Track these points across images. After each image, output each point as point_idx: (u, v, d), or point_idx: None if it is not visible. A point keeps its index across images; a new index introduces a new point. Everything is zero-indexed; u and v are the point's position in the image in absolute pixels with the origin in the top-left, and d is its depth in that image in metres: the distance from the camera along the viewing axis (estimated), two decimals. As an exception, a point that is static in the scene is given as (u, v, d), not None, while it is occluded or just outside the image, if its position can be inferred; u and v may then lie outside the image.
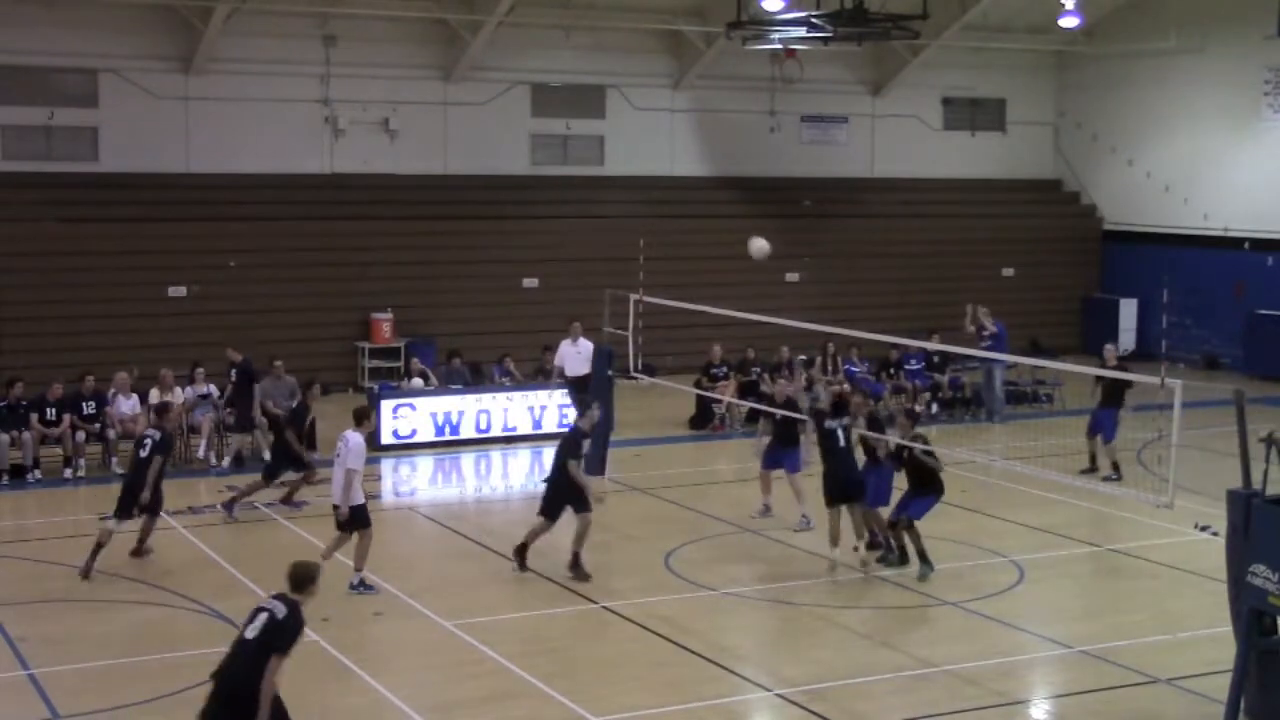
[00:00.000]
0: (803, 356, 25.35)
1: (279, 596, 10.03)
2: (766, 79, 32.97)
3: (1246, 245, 32.30)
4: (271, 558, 16.97)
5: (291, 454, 19.14)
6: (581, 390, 22.50)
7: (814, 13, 25.10)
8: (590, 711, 12.29)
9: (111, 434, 21.49)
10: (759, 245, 18.24)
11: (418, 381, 24.17)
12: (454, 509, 20.50)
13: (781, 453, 18.64)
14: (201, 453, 21.98)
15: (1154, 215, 34.27)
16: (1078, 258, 35.39)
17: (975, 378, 26.82)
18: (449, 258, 29.67)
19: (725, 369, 25.82)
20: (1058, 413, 26.01)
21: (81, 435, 21.25)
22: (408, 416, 23.30)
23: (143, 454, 16.91)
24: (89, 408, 21.54)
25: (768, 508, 18.75)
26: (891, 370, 26.60)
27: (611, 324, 22.50)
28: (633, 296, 21.55)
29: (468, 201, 30.42)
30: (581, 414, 16.88)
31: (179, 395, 21.94)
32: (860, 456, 17.10)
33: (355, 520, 15.56)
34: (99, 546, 16.33)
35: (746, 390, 24.13)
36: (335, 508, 15.64)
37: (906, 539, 16.35)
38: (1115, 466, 20.94)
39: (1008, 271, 34.44)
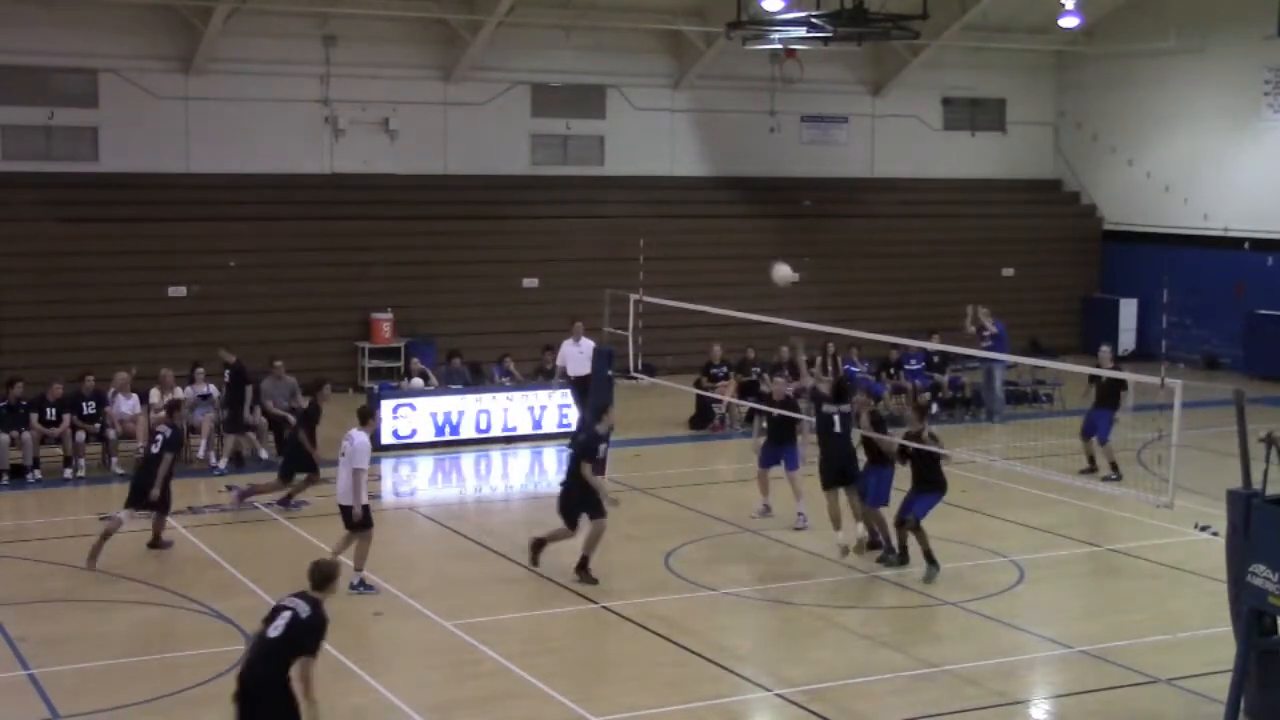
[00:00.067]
0: (802, 356, 25.29)
1: (300, 595, 9.99)
2: (766, 79, 32.98)
3: (1246, 245, 32.30)
4: (271, 558, 17.05)
5: (304, 454, 19.14)
6: (583, 390, 22.53)
7: (814, 13, 25.09)
8: (590, 711, 12.29)
9: (111, 434, 21.50)
10: (783, 272, 18.12)
11: (418, 381, 24.16)
12: (454, 509, 20.50)
13: (779, 451, 18.66)
14: (201, 453, 21.98)
15: (1154, 215, 34.27)
16: (1078, 258, 35.40)
17: (975, 378, 26.82)
18: (449, 258, 29.67)
19: (725, 369, 25.82)
20: (1058, 413, 26.01)
21: (81, 435, 21.24)
22: (408, 416, 23.29)
23: (154, 449, 17.16)
24: (89, 408, 21.53)
25: (767, 508, 18.75)
26: (891, 370, 26.58)
27: (611, 324, 22.51)
28: (633, 296, 21.55)
29: (468, 201, 30.42)
30: (599, 417, 16.70)
31: (179, 395, 21.92)
32: (862, 456, 17.11)
33: (348, 520, 15.55)
34: (107, 534, 16.52)
35: (746, 390, 24.12)
36: (343, 508, 15.62)
37: (913, 540, 16.31)
38: (1114, 466, 20.94)
39: (1008, 271, 34.45)
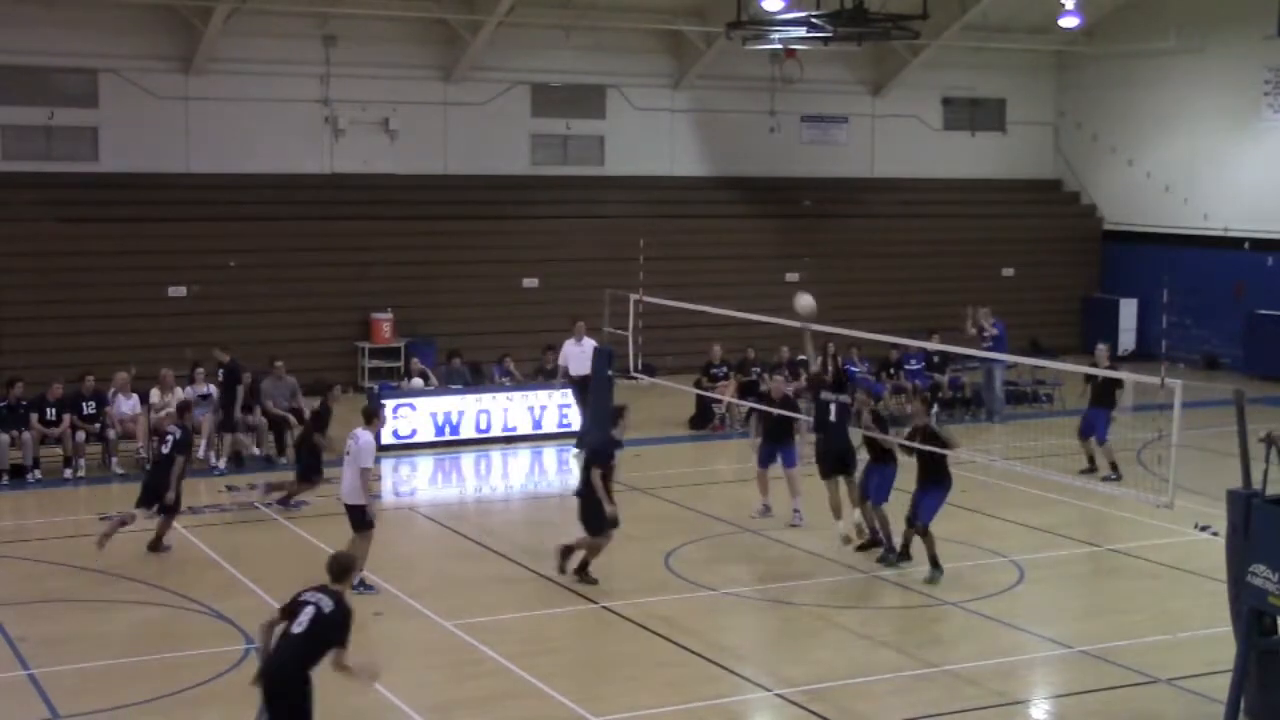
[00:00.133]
0: (802, 356, 25.31)
1: (321, 589, 10.06)
2: (766, 79, 32.98)
3: (1246, 245, 32.31)
4: (271, 558, 17.06)
5: (318, 456, 19.14)
6: (585, 389, 22.55)
7: (814, 13, 25.09)
8: (590, 711, 12.29)
9: (111, 434, 21.50)
10: (805, 302, 18.15)
11: (418, 381, 24.17)
12: (454, 509, 20.50)
13: (776, 448, 18.69)
14: (201, 453, 21.94)
15: (1154, 215, 34.27)
16: (1078, 258, 35.40)
17: (975, 378, 26.82)
18: (449, 258, 29.67)
19: (725, 369, 25.82)
20: (1058, 413, 26.01)
21: (81, 435, 21.24)
22: (408, 416, 23.29)
23: (164, 450, 17.25)
24: (89, 408, 21.53)
25: (767, 508, 18.75)
26: (891, 370, 26.58)
27: (611, 324, 22.52)
28: (633, 296, 21.56)
29: (468, 201, 30.42)
30: (615, 421, 16.39)
31: (179, 395, 21.93)
32: (864, 455, 17.11)
33: (359, 520, 15.55)
34: (123, 523, 16.73)
35: (746, 390, 24.12)
36: (348, 507, 15.61)
37: (920, 542, 16.24)
38: (1114, 466, 20.94)
39: (1008, 271, 34.45)
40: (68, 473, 21.19)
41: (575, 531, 16.21)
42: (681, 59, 32.46)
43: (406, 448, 23.11)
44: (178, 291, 27.49)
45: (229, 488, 20.32)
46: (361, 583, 15.47)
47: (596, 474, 15.78)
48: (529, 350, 26.36)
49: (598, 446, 16.31)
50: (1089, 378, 20.73)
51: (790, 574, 16.61)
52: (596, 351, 22.18)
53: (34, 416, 21.08)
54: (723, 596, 15.75)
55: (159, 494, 17.01)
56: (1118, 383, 20.65)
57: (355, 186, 29.55)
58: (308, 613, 9.85)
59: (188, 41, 28.14)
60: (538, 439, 23.89)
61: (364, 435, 15.62)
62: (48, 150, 27.72)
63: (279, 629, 10.01)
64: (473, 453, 23.40)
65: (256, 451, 22.06)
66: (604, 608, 15.16)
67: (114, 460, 21.45)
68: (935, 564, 16.09)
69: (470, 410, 23.72)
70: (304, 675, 9.79)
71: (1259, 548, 11.21)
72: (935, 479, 16.23)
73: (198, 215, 27.84)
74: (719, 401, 24.63)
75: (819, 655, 13.94)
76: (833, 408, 17.23)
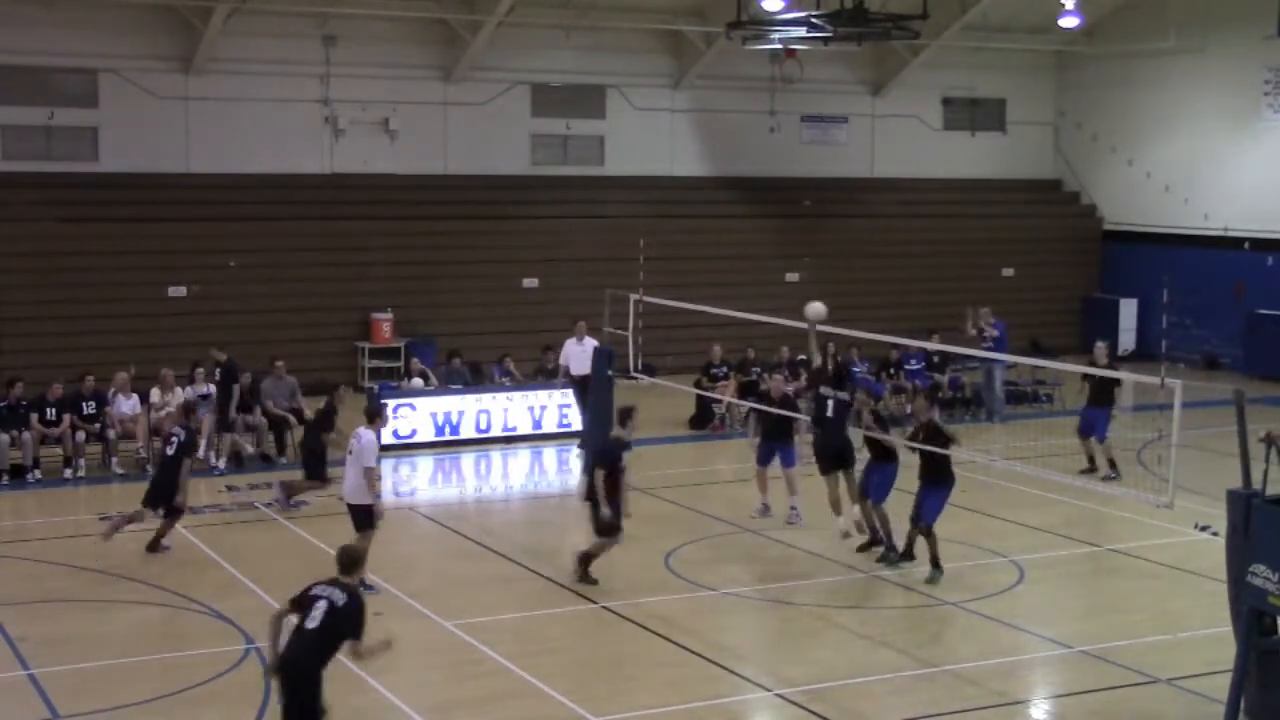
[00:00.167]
0: (802, 356, 25.32)
1: (331, 582, 10.15)
2: (766, 79, 32.98)
3: (1246, 245, 32.31)
4: (271, 558, 17.06)
5: (323, 455, 19.14)
6: (585, 389, 22.55)
7: (814, 13, 25.09)
8: (590, 711, 12.30)
9: (111, 434, 21.50)
10: (816, 308, 18.20)
11: (418, 381, 24.17)
12: (454, 509, 20.51)
13: (775, 446, 18.72)
14: (201, 452, 21.92)
15: (1154, 215, 34.28)
16: (1078, 258, 35.40)
17: (975, 378, 26.83)
18: (449, 258, 29.68)
19: (725, 369, 25.82)
20: (1058, 413, 26.01)
21: (81, 435, 21.24)
22: (408, 416, 23.29)
23: (169, 451, 17.29)
24: (89, 408, 21.54)
25: (766, 507, 18.75)
26: (891, 370, 26.60)
27: (611, 324, 22.52)
28: (633, 296, 21.56)
29: (468, 201, 30.42)
30: (623, 422, 16.16)
31: (179, 395, 21.94)
32: (866, 455, 17.10)
33: (362, 519, 15.54)
34: (131, 520, 16.90)
35: (746, 390, 24.12)
36: (351, 506, 15.59)
37: (924, 542, 16.21)
38: (1112, 464, 20.96)
39: (1008, 271, 34.45)
40: (68, 473, 21.19)
41: (575, 531, 16.20)
42: (681, 59, 32.47)
43: (406, 448, 23.11)
44: (178, 291, 27.50)
45: (229, 488, 20.32)
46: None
47: (600, 474, 15.72)
48: (529, 350, 26.36)
49: (605, 447, 16.17)
50: (1086, 376, 20.72)
51: (790, 574, 16.61)
52: (596, 351, 22.18)
53: (34, 416, 21.09)
54: (723, 596, 15.75)
55: (166, 495, 17.04)
56: (1116, 380, 20.66)
57: (355, 186, 29.56)
58: (321, 607, 9.93)
59: (188, 41, 28.14)
60: (538, 439, 23.90)
61: (366, 435, 15.62)
62: (48, 150, 27.72)
63: (289, 621, 10.11)
64: (473, 453, 23.40)
65: (250, 449, 22.02)
66: (604, 608, 15.16)
67: (114, 460, 21.46)
68: (936, 564, 16.09)
69: (470, 410, 23.72)
70: (320, 669, 9.93)
71: (1259, 548, 11.21)
72: (938, 478, 16.19)
73: (198, 215, 27.85)
74: (719, 401, 24.64)
75: (819, 655, 13.94)
76: (831, 404, 17.27)
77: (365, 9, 28.82)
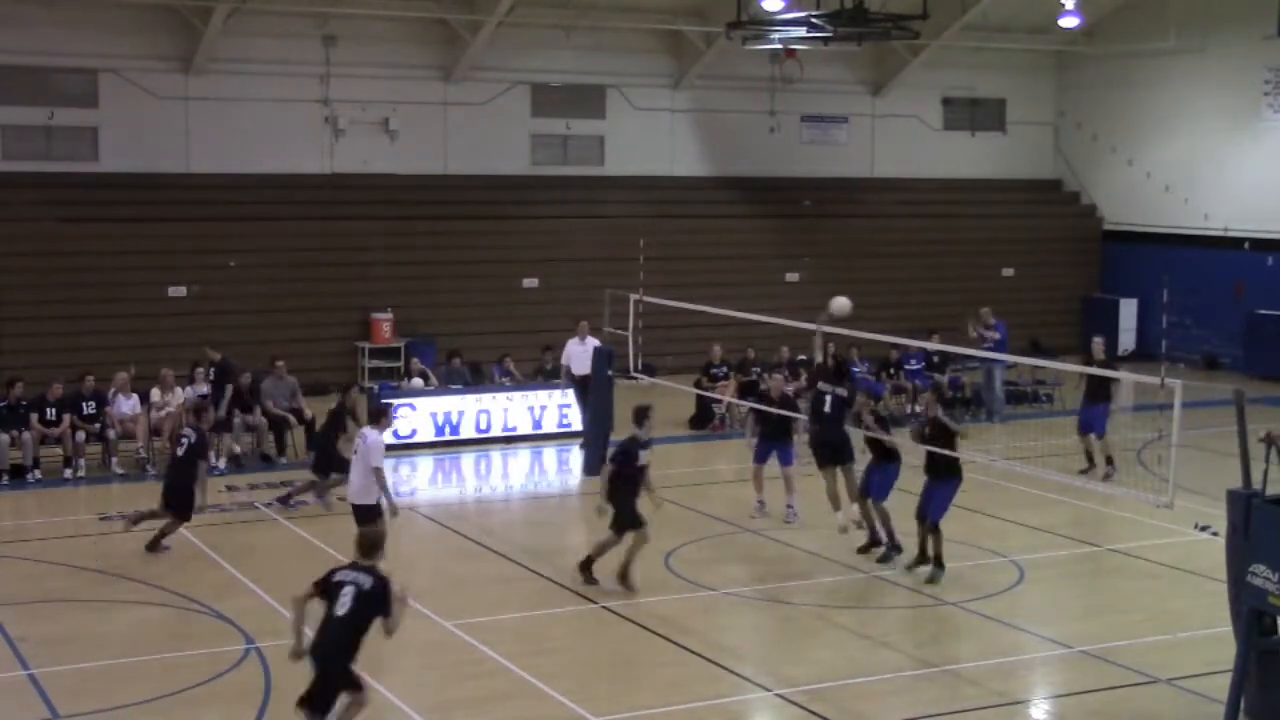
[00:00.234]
0: (802, 356, 25.34)
1: (353, 567, 10.46)
2: (766, 79, 32.98)
3: (1246, 245, 32.31)
4: (271, 558, 17.07)
5: (333, 454, 19.14)
6: (586, 389, 22.56)
7: (814, 13, 25.09)
8: (590, 711, 12.29)
9: (111, 434, 21.50)
10: (840, 303, 18.19)
11: (418, 381, 24.17)
12: (454, 509, 20.50)
13: (773, 445, 18.76)
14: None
15: (1154, 215, 34.28)
16: (1078, 258, 35.41)
17: (975, 378, 26.83)
18: (449, 258, 29.68)
19: (725, 369, 25.82)
20: (1058, 413, 26.01)
21: (81, 435, 21.24)
22: (408, 416, 23.28)
23: (179, 452, 17.33)
24: (89, 408, 21.53)
25: (762, 503, 18.83)
26: (891, 370, 26.61)
27: (611, 324, 22.52)
28: (633, 296, 21.57)
29: (468, 201, 30.42)
30: (640, 422, 15.84)
31: (179, 395, 21.96)
32: (868, 456, 17.08)
33: (365, 519, 15.52)
34: (153, 515, 17.08)
35: (746, 390, 24.12)
36: (355, 506, 15.58)
37: (929, 540, 16.12)
38: (1109, 460, 20.98)
39: (1008, 271, 34.46)
40: (68, 473, 21.18)
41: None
42: (681, 59, 32.47)
43: (406, 448, 23.10)
44: (178, 291, 27.50)
45: (229, 488, 20.31)
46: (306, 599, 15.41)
47: (609, 469, 15.63)
48: (529, 350, 26.36)
49: (621, 446, 15.85)
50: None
51: (790, 574, 16.61)
52: (596, 352, 22.19)
53: (34, 416, 21.08)
54: (722, 596, 15.75)
55: (179, 497, 17.11)
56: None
57: (355, 186, 29.56)
58: (348, 593, 10.21)
59: (188, 41, 28.14)
60: (538, 439, 23.89)
61: (372, 435, 15.63)
62: (48, 150, 27.71)
63: (311, 604, 10.41)
64: (473, 453, 23.40)
65: (236, 449, 21.95)
66: (604, 608, 15.16)
67: (114, 460, 21.45)
68: (939, 563, 16.05)
69: (470, 410, 23.72)
70: (354, 654, 10.27)
71: (1259, 548, 11.22)
72: (946, 474, 16.08)
73: (198, 215, 27.85)
74: (719, 401, 24.64)
75: (819, 655, 13.94)
76: (828, 399, 17.33)
77: (365, 9, 28.82)
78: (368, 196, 29.44)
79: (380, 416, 16.23)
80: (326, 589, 10.34)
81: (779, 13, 26.99)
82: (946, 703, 12.71)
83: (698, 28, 31.18)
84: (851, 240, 33.06)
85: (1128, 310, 33.85)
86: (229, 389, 22.08)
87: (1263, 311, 31.38)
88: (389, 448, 22.52)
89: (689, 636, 14.24)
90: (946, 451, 15.95)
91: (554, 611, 15.24)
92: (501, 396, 24.02)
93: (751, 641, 14.70)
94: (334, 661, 10.25)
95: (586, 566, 15.88)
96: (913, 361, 26.62)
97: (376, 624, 10.32)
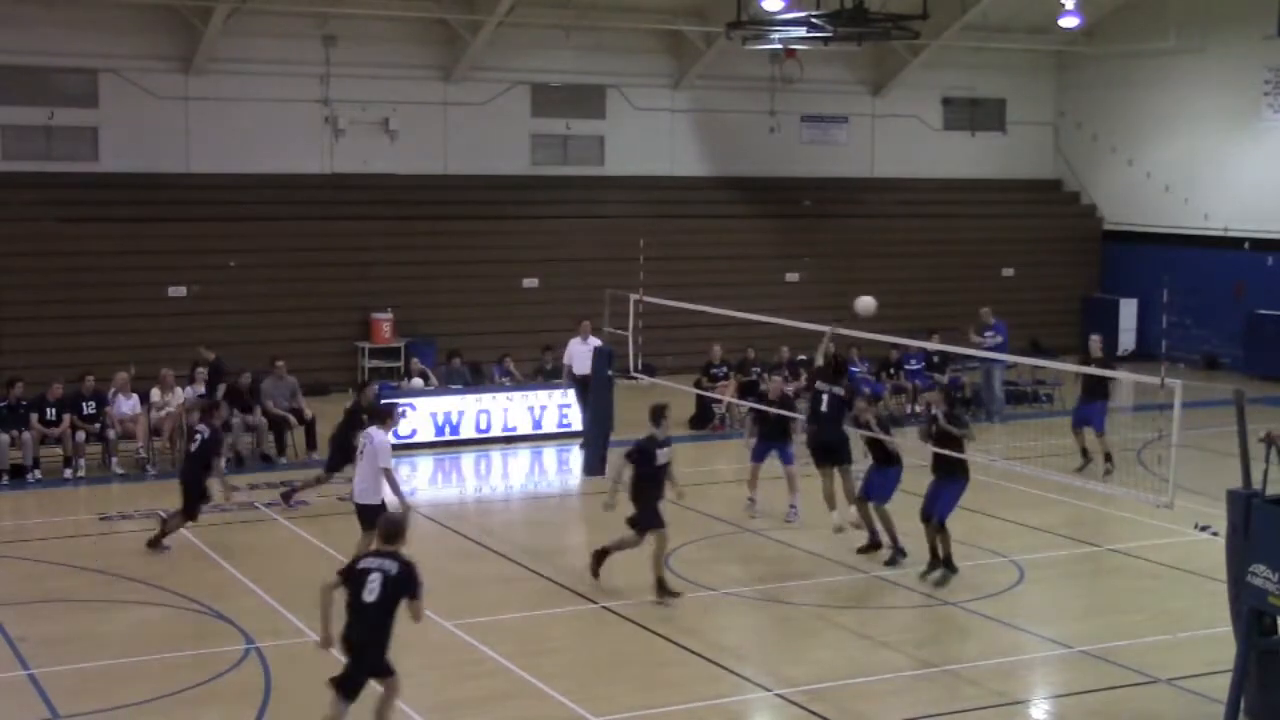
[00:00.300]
0: (802, 356, 25.34)
1: (377, 554, 10.71)
2: (766, 79, 32.99)
3: (1246, 245, 32.31)
4: (271, 558, 17.07)
5: (348, 451, 19.13)
6: (586, 389, 22.56)
7: (814, 13, 25.09)
8: (590, 711, 12.29)
9: (111, 434, 21.50)
10: (865, 303, 18.20)
11: (418, 381, 24.17)
12: (454, 509, 20.49)
13: (772, 445, 18.78)
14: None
15: (1154, 215, 34.28)
16: (1078, 258, 35.41)
17: (975, 378, 26.83)
18: (449, 258, 29.68)
19: (725, 369, 25.82)
20: (1058, 413, 25.99)
21: (81, 435, 21.23)
22: (408, 416, 23.23)
23: (192, 449, 17.43)
24: (89, 408, 21.52)
25: (752, 501, 18.90)
26: (891, 370, 26.60)
27: (611, 324, 22.51)
28: (633, 296, 21.57)
29: (468, 201, 30.42)
30: (657, 421, 15.78)
31: (179, 395, 21.97)
32: (869, 460, 17.05)
33: (370, 517, 15.50)
34: (173, 529, 17.22)
35: (746, 390, 24.12)
36: (359, 506, 15.55)
37: (938, 542, 16.01)
38: (1108, 457, 20.99)
39: (1008, 271, 34.46)
40: (68, 473, 21.18)
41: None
42: (681, 59, 32.47)
43: (406, 448, 23.08)
44: (178, 291, 27.49)
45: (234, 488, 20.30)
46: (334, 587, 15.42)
47: (629, 470, 15.43)
48: (529, 350, 26.36)
49: (638, 445, 15.66)
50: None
51: (790, 574, 16.61)
52: (596, 352, 22.19)
53: (34, 416, 21.08)
54: (723, 596, 15.75)
55: (190, 493, 17.17)
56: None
57: (355, 186, 29.55)
58: (375, 580, 10.43)
59: (188, 41, 28.14)
60: (538, 439, 23.89)
61: (379, 435, 15.62)
62: (48, 150, 27.71)
63: (329, 586, 10.65)
64: (473, 453, 23.40)
65: (236, 449, 21.95)
66: (604, 608, 15.16)
67: (114, 460, 21.45)
68: (949, 565, 15.95)
69: (470, 410, 23.72)
70: (387, 639, 10.54)
71: (1259, 548, 11.21)
72: (951, 473, 15.97)
73: (198, 215, 27.85)
74: (719, 401, 24.63)
75: (819, 655, 13.94)
76: (826, 398, 17.32)
77: (365, 9, 28.82)
78: (368, 196, 29.43)
79: (386, 417, 16.22)
80: (351, 576, 10.54)
81: (779, 13, 26.99)
82: (946, 703, 12.71)
83: (698, 28, 31.18)
84: (851, 240, 33.06)
85: (1128, 310, 33.85)
86: (221, 389, 22.06)
87: (1263, 311, 31.38)
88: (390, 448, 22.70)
89: (689, 636, 14.24)
90: (952, 453, 15.90)
91: (554, 611, 15.24)
92: (501, 396, 24.01)
93: (751, 641, 14.70)
94: (369, 649, 10.47)
95: (600, 558, 15.64)
96: (913, 361, 26.62)
97: (403, 610, 10.55)
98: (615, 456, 21.18)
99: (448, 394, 23.88)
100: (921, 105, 35.00)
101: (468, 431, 23.63)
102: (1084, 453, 21.37)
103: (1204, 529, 17.58)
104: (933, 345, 24.12)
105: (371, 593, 10.41)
